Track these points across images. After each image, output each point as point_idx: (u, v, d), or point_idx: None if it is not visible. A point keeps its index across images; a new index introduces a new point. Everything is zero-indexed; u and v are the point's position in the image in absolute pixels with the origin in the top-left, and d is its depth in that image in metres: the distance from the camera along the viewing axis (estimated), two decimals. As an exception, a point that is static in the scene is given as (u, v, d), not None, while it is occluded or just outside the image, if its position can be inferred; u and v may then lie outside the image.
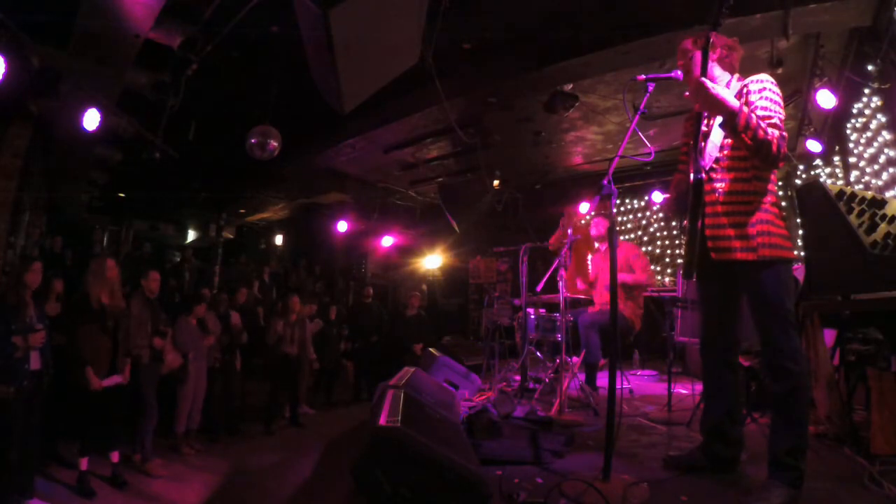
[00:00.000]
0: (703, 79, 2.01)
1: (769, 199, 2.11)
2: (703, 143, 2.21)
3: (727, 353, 2.30)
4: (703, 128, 2.24)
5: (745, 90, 2.13)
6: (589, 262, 4.90)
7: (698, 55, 2.16)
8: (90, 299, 3.58)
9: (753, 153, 2.03)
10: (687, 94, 2.27)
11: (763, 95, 2.09)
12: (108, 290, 3.66)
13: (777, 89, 2.12)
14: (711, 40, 2.14)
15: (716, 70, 2.23)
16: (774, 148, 1.97)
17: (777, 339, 2.01)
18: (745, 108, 2.01)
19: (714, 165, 2.17)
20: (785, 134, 2.02)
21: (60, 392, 3.68)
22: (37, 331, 3.08)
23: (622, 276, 4.28)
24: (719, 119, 2.17)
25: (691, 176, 2.14)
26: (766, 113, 2.04)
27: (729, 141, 2.15)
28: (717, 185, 2.15)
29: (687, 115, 2.52)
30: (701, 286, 2.38)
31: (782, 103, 2.12)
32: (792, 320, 2.01)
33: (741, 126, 1.97)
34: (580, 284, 4.82)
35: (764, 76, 2.15)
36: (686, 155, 2.41)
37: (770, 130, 1.97)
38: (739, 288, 2.17)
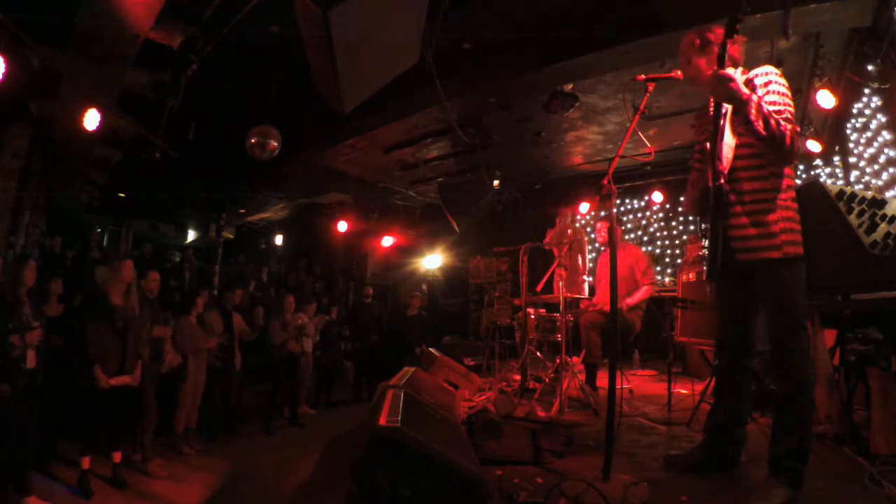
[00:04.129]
0: (722, 70, 1.98)
1: (788, 194, 2.07)
2: (719, 145, 2.19)
3: (742, 356, 2.27)
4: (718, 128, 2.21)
5: (750, 84, 2.09)
6: (580, 264, 4.86)
7: (697, 60, 2.19)
8: (105, 299, 3.60)
9: (768, 146, 1.99)
10: (707, 90, 2.22)
11: (770, 89, 2.04)
12: (122, 291, 3.68)
13: (783, 81, 2.07)
14: (711, 38, 2.15)
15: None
16: (788, 141, 1.92)
17: (787, 339, 1.99)
18: (755, 97, 1.97)
19: (732, 166, 2.13)
20: (798, 128, 1.98)
21: (62, 391, 3.68)
22: (33, 329, 3.08)
23: (630, 301, 4.27)
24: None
25: (710, 181, 2.12)
26: (777, 108, 1.99)
27: (746, 139, 2.11)
28: (736, 185, 2.11)
29: (697, 114, 2.49)
30: (721, 287, 2.36)
31: (789, 93, 2.06)
32: (803, 322, 1.99)
33: (753, 115, 1.92)
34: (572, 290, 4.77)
35: (769, 68, 2.11)
36: (701, 153, 2.37)
37: (783, 123, 1.93)
38: (758, 287, 2.13)
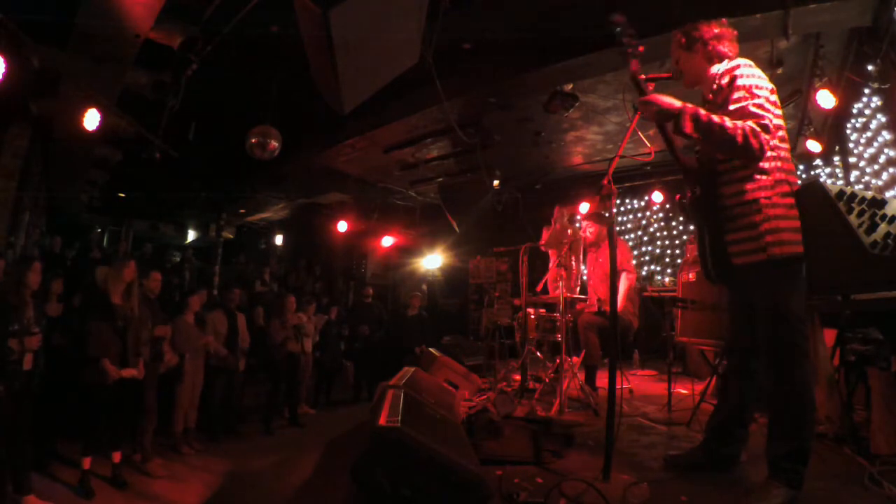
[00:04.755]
0: (645, 97, 1.99)
1: (780, 189, 1.97)
2: (677, 155, 2.18)
3: (749, 358, 2.24)
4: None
5: (718, 84, 2.05)
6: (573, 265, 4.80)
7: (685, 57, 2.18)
8: (105, 298, 3.60)
9: (720, 151, 1.94)
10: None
11: (737, 84, 1.96)
12: (122, 291, 3.68)
13: (750, 70, 1.99)
14: (696, 36, 2.15)
15: (712, 67, 2.17)
16: (740, 139, 1.83)
17: (780, 341, 1.97)
18: (689, 107, 1.91)
19: (719, 168, 2.10)
20: (765, 122, 1.88)
21: (62, 391, 3.68)
22: (33, 334, 3.08)
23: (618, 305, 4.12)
24: None
25: (687, 192, 2.13)
26: (737, 105, 1.92)
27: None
28: (724, 188, 2.07)
29: None
30: (729, 290, 2.35)
31: (761, 83, 1.97)
32: (796, 323, 1.95)
33: (688, 128, 1.87)
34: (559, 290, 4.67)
35: (740, 61, 2.03)
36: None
37: (731, 123, 1.85)
38: (752, 289, 2.10)
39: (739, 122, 1.87)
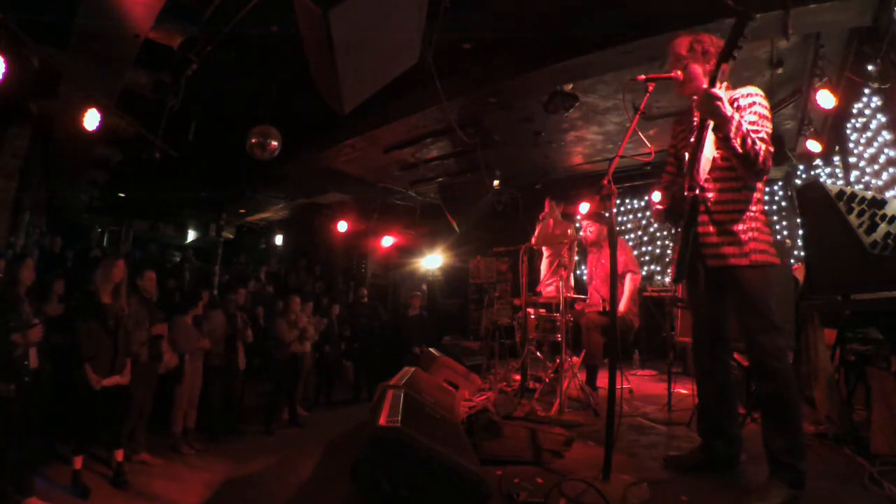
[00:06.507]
0: (713, 89, 2.03)
1: (758, 207, 2.19)
2: (698, 156, 2.21)
3: (718, 352, 2.33)
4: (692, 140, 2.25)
5: (735, 103, 2.17)
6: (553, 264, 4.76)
7: (694, 68, 2.23)
8: (95, 297, 3.59)
9: (741, 162, 2.08)
10: (693, 99, 2.27)
11: (753, 110, 2.15)
12: (111, 290, 3.67)
13: (766, 103, 2.19)
14: (712, 52, 2.21)
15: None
16: (760, 160, 2.04)
17: (761, 338, 2.05)
18: (737, 116, 2.05)
19: (707, 176, 2.22)
20: (771, 149, 2.08)
21: (62, 391, 3.69)
22: (34, 326, 3.08)
23: (621, 306, 4.15)
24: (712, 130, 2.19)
25: (686, 190, 2.18)
26: (755, 127, 2.09)
27: (720, 152, 2.20)
28: (709, 194, 2.21)
29: (677, 119, 2.54)
30: (691, 288, 2.43)
31: (770, 117, 2.18)
32: (775, 320, 2.06)
33: (732, 133, 2.01)
34: (553, 291, 4.61)
35: (753, 89, 2.20)
36: (676, 159, 2.45)
37: (759, 144, 2.04)
38: (728, 290, 2.23)
39: (761, 144, 2.05)
